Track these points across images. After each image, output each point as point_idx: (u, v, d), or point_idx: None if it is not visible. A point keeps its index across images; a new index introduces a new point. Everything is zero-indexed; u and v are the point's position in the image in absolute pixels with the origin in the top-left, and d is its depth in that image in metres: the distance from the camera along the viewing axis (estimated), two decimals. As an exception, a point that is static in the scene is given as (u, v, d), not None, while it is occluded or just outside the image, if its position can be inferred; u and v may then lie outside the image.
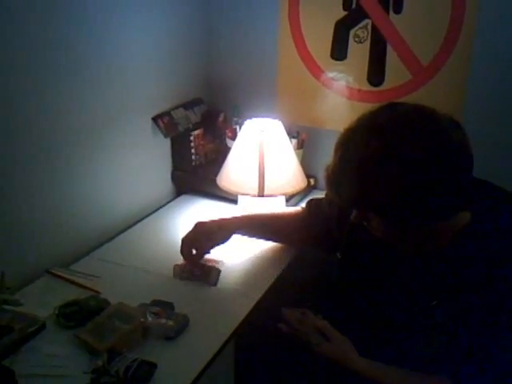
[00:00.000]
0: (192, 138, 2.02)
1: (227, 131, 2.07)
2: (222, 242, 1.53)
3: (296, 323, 1.26)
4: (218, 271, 1.53)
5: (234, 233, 1.55)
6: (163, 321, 1.29)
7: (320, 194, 1.63)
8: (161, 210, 1.98)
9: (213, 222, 1.54)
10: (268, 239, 1.65)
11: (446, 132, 1.03)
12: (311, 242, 1.56)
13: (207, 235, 1.51)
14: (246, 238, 1.76)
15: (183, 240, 1.52)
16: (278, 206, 1.77)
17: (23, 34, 1.36)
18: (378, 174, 1.02)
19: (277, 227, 1.61)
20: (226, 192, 1.78)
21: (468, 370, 1.09)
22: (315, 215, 1.52)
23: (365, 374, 1.16)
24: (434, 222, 1.10)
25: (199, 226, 1.52)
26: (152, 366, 1.16)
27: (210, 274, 1.52)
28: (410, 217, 1.06)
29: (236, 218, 1.58)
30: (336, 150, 1.10)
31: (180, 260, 1.56)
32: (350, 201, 1.10)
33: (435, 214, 1.06)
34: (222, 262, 1.59)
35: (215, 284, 1.50)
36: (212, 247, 1.52)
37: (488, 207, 1.14)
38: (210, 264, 1.57)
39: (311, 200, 1.59)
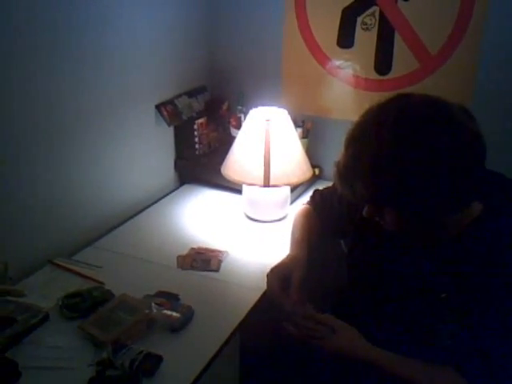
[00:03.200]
0: (196, 126, 2.00)
1: (231, 120, 2.04)
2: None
3: (300, 320, 1.24)
4: (219, 260, 1.52)
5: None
6: (168, 312, 1.27)
7: (325, 184, 1.60)
8: (164, 199, 1.96)
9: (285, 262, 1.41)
10: None
11: (459, 123, 1.00)
12: (319, 230, 1.53)
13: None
14: (251, 228, 1.75)
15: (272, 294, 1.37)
16: (282, 199, 1.75)
17: (29, 19, 1.34)
18: (392, 169, 1.00)
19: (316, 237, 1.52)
20: (230, 182, 1.76)
21: (474, 362, 1.07)
22: (322, 208, 1.50)
23: (376, 362, 1.14)
24: (448, 214, 1.08)
25: (276, 270, 1.38)
26: (158, 359, 1.15)
27: (211, 262, 1.52)
28: (425, 208, 1.04)
29: (297, 248, 1.45)
30: (347, 146, 1.07)
31: (183, 250, 1.54)
32: (365, 197, 1.08)
33: (450, 206, 1.05)
34: (226, 252, 1.58)
35: (217, 270, 1.50)
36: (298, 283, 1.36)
37: (499, 199, 1.13)
38: (213, 254, 1.56)
39: (314, 194, 1.56)
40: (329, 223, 1.47)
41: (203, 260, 1.53)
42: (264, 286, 1.43)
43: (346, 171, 1.07)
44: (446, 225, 1.12)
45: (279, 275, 1.35)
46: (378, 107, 1.06)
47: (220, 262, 1.54)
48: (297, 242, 1.46)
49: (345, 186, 1.09)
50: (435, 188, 1.00)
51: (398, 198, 1.03)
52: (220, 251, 1.58)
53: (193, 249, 1.59)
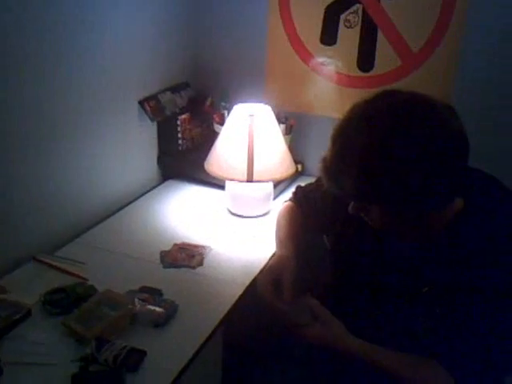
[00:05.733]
0: (179, 122, 1.99)
1: (215, 116, 2.04)
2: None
3: (286, 303, 1.24)
4: (202, 256, 1.53)
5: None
6: (152, 308, 1.27)
7: (307, 180, 1.61)
8: (147, 195, 1.96)
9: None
10: None
11: (444, 120, 1.02)
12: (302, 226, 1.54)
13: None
14: (234, 222, 1.76)
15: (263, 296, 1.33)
16: (265, 195, 1.76)
17: (11, 18, 1.32)
18: (379, 165, 1.00)
19: (300, 233, 1.51)
20: (213, 177, 1.76)
21: (457, 354, 1.09)
22: (305, 205, 1.50)
23: (358, 353, 1.15)
24: (432, 211, 1.10)
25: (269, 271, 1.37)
26: (141, 354, 1.15)
27: (194, 258, 1.52)
28: (411, 206, 1.06)
29: (282, 248, 1.44)
30: (333, 142, 1.07)
31: (167, 246, 1.54)
32: (351, 193, 1.09)
33: (435, 203, 1.06)
34: (209, 247, 1.59)
35: (200, 265, 1.51)
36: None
37: (480, 195, 1.14)
38: (196, 250, 1.56)
39: (296, 191, 1.57)
40: (312, 219, 1.48)
41: (186, 256, 1.53)
42: (247, 281, 1.44)
43: (333, 166, 1.07)
44: (430, 221, 1.13)
45: (270, 279, 1.32)
46: (366, 103, 1.06)
47: (203, 257, 1.54)
48: (282, 241, 1.45)
49: (331, 181, 1.09)
50: (420, 185, 1.01)
51: (383, 195, 1.04)
52: (203, 246, 1.58)
53: (176, 245, 1.60)
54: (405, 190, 1.01)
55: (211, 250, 1.58)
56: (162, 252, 1.55)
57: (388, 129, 1.00)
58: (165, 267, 1.50)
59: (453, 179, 1.03)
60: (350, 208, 1.15)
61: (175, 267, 1.49)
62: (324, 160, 1.09)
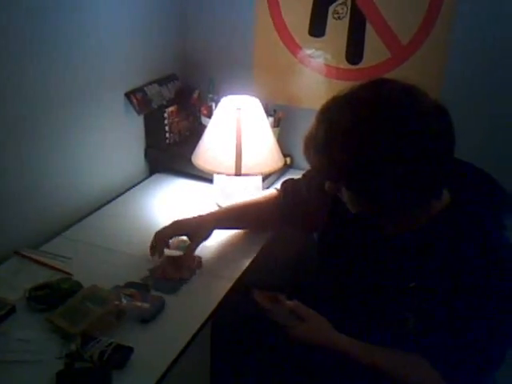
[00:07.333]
0: (166, 114, 1.97)
1: (202, 108, 2.02)
2: (203, 240, 1.47)
3: (267, 303, 1.24)
4: (193, 271, 1.45)
5: (214, 229, 1.49)
6: (138, 303, 1.26)
7: (296, 173, 1.60)
8: (133, 189, 1.93)
9: (190, 220, 1.47)
10: (247, 229, 1.62)
11: (429, 115, 1.01)
12: (289, 222, 1.53)
13: (186, 234, 1.45)
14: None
15: (157, 235, 1.44)
16: (253, 188, 1.75)
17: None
18: (355, 146, 1.00)
19: (254, 216, 1.56)
20: (201, 171, 1.74)
21: (445, 352, 1.09)
22: (292, 197, 1.49)
23: (347, 352, 1.15)
24: (415, 204, 1.09)
25: (176, 224, 1.46)
26: (128, 350, 1.13)
27: (182, 270, 1.44)
28: (387, 195, 1.05)
29: (212, 213, 1.52)
30: (317, 119, 1.08)
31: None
32: (317, 168, 1.10)
33: (416, 196, 1.06)
34: (200, 258, 1.51)
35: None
36: (195, 247, 1.45)
37: (468, 189, 1.14)
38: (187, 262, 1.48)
39: (286, 182, 1.56)
40: (297, 210, 1.47)
41: (175, 269, 1.44)
42: (235, 275, 1.43)
43: (312, 141, 1.08)
44: (415, 214, 1.13)
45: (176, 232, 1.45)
46: (356, 88, 1.06)
47: (193, 270, 1.46)
48: (224, 209, 1.55)
49: (309, 155, 1.10)
50: (400, 174, 1.00)
51: (346, 174, 1.05)
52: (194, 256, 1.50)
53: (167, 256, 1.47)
54: (381, 177, 1.01)
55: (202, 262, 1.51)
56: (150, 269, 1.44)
57: (372, 115, 1.00)
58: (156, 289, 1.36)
59: (437, 173, 1.03)
60: (325, 186, 1.16)
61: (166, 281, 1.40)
62: (307, 136, 1.10)
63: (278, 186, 1.61)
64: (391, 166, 1.00)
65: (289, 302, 1.23)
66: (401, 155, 0.99)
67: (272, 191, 1.58)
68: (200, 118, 2.04)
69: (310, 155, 1.10)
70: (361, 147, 1.00)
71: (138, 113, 1.87)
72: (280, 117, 2.00)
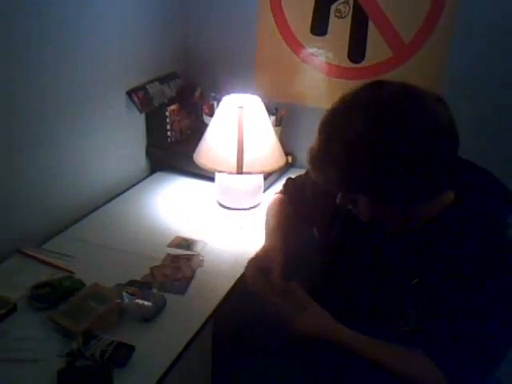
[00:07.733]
0: (167, 113, 1.97)
1: (204, 107, 2.02)
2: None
3: (274, 297, 1.24)
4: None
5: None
6: (140, 302, 1.26)
7: (298, 172, 1.59)
8: (135, 187, 1.93)
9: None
10: None
11: (433, 112, 1.01)
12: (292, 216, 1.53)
13: None
14: (224, 214, 1.74)
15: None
16: (255, 187, 1.75)
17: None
18: (365, 155, 1.00)
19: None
20: (202, 169, 1.74)
21: (445, 348, 1.09)
22: (295, 198, 1.49)
23: (348, 344, 1.14)
24: (420, 202, 1.09)
25: None
26: (129, 349, 1.13)
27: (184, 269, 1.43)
28: (397, 198, 1.05)
29: (269, 247, 1.40)
30: (320, 131, 1.07)
31: (155, 238, 1.52)
32: (337, 183, 1.08)
33: (422, 194, 1.06)
34: (202, 257, 1.51)
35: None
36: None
37: (471, 188, 1.14)
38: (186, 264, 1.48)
39: (288, 182, 1.56)
40: (302, 211, 1.47)
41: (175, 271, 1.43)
42: (237, 274, 1.43)
43: (319, 156, 1.07)
44: (418, 213, 1.13)
45: (258, 268, 1.31)
46: (353, 94, 1.06)
47: (193, 270, 1.45)
48: (270, 233, 1.45)
49: (317, 171, 1.09)
50: (408, 175, 1.00)
51: (370, 185, 1.03)
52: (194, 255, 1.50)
53: (168, 255, 1.49)
54: (392, 182, 1.01)
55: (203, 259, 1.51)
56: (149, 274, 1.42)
57: (372, 119, 1.00)
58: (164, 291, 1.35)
59: (442, 172, 1.03)
60: (337, 199, 1.15)
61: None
62: (310, 151, 1.09)
63: (279, 184, 1.61)
64: (407, 168, 0.99)
65: (294, 284, 1.24)
66: (415, 155, 0.99)
67: (277, 196, 1.56)
68: (202, 116, 2.04)
69: (318, 169, 1.09)
70: (377, 156, 0.99)
71: (140, 111, 1.87)
72: (282, 115, 2.00)
